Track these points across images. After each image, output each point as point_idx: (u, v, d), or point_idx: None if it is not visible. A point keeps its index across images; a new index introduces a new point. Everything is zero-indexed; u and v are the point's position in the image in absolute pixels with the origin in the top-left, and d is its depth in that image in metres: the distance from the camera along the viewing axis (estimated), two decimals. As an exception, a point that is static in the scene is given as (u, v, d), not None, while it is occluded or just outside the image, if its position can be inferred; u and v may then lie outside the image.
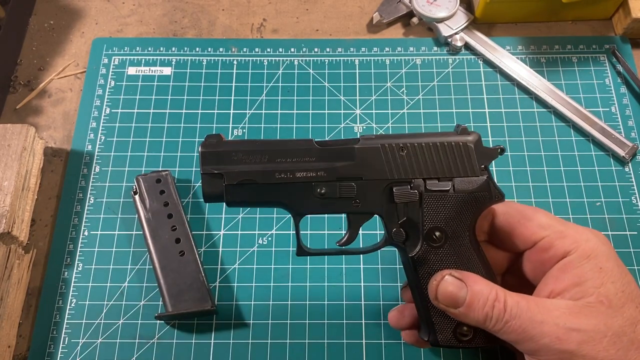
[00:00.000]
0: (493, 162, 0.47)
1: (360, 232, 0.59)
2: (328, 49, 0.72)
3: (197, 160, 0.65)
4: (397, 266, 0.59)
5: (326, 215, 0.61)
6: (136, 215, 0.60)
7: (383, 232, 0.47)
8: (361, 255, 0.59)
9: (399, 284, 0.58)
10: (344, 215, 0.61)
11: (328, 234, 0.61)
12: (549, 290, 0.42)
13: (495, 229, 0.48)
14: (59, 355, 0.55)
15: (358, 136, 0.46)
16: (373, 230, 0.60)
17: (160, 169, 0.63)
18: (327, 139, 0.61)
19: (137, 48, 0.72)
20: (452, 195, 0.44)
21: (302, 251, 0.46)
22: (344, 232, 0.60)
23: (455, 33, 0.71)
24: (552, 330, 0.39)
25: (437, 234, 0.44)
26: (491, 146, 0.46)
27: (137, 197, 0.60)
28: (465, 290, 0.42)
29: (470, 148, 0.45)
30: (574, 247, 0.42)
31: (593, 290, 0.40)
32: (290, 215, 0.46)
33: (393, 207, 0.45)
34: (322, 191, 0.44)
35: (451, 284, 0.42)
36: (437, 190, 0.44)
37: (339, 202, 0.45)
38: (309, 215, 0.46)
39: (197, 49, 0.72)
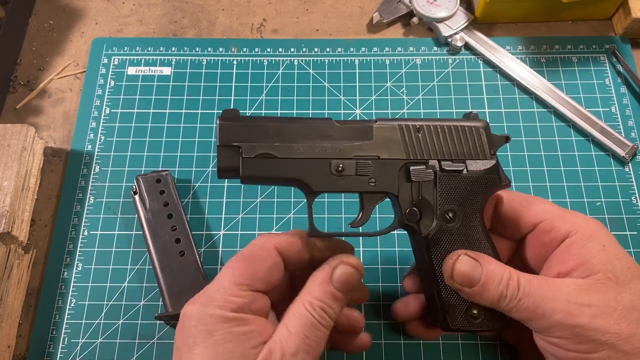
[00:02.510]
0: None
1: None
2: (328, 49, 0.72)
3: (197, 159, 0.65)
4: (397, 266, 0.59)
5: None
6: (136, 215, 0.60)
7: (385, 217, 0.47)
8: (361, 256, 0.59)
9: (399, 284, 0.58)
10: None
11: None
12: (555, 272, 0.43)
13: (499, 214, 0.49)
14: (59, 355, 0.55)
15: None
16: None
17: (160, 169, 0.63)
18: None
19: (137, 48, 0.72)
20: (466, 176, 0.46)
21: (314, 232, 0.45)
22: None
23: (455, 33, 0.71)
24: (564, 306, 0.39)
25: (450, 214, 0.45)
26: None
27: (137, 197, 0.60)
28: (480, 269, 0.42)
29: (482, 132, 0.47)
30: (575, 228, 0.43)
31: (600, 267, 0.41)
32: (300, 200, 0.45)
33: (408, 187, 0.46)
34: (340, 168, 0.45)
35: (466, 264, 0.43)
36: (452, 170, 0.46)
37: (354, 180, 0.45)
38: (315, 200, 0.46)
39: (197, 49, 0.72)
